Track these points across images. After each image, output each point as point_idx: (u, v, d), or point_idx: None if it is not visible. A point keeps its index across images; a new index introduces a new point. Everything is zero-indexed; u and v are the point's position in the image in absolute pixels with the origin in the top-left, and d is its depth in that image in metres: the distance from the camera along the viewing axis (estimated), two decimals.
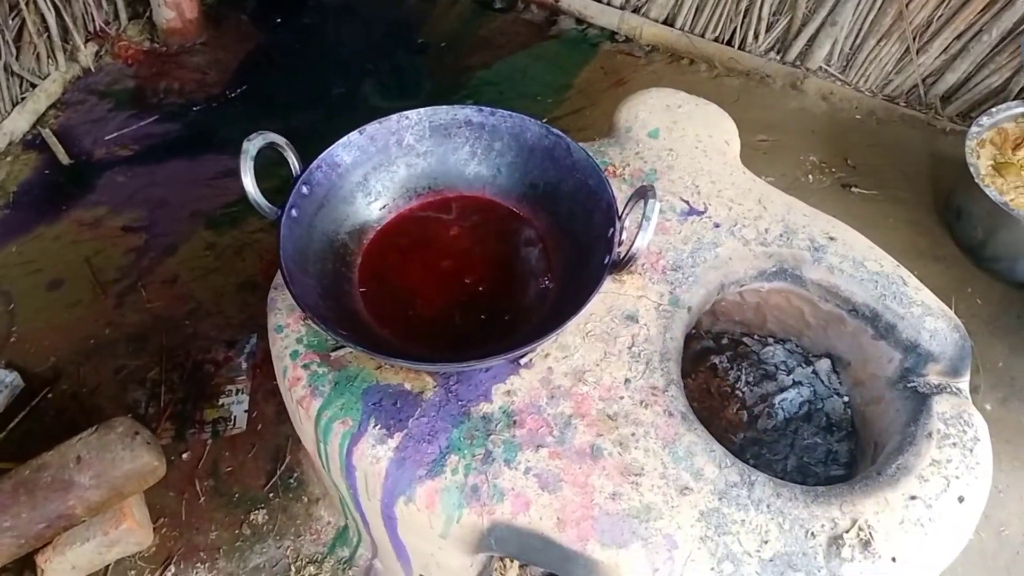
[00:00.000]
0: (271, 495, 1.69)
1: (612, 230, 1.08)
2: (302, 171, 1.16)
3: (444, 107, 1.27)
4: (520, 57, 2.97)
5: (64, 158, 2.52)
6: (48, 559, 1.48)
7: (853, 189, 2.41)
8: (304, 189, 1.16)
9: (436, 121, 1.28)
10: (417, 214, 1.29)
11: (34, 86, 2.64)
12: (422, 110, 1.26)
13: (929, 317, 1.21)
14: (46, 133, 2.58)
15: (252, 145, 1.09)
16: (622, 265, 1.04)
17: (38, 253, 2.25)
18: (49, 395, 1.89)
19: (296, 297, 1.03)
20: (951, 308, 1.26)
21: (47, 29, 2.61)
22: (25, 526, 1.40)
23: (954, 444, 1.07)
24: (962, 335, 1.20)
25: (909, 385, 1.18)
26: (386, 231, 1.26)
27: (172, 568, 1.58)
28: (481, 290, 1.18)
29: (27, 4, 2.47)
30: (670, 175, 1.38)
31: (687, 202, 1.34)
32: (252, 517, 1.65)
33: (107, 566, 1.58)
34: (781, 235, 1.29)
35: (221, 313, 2.07)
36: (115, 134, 2.63)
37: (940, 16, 2.40)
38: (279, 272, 1.20)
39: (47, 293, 2.14)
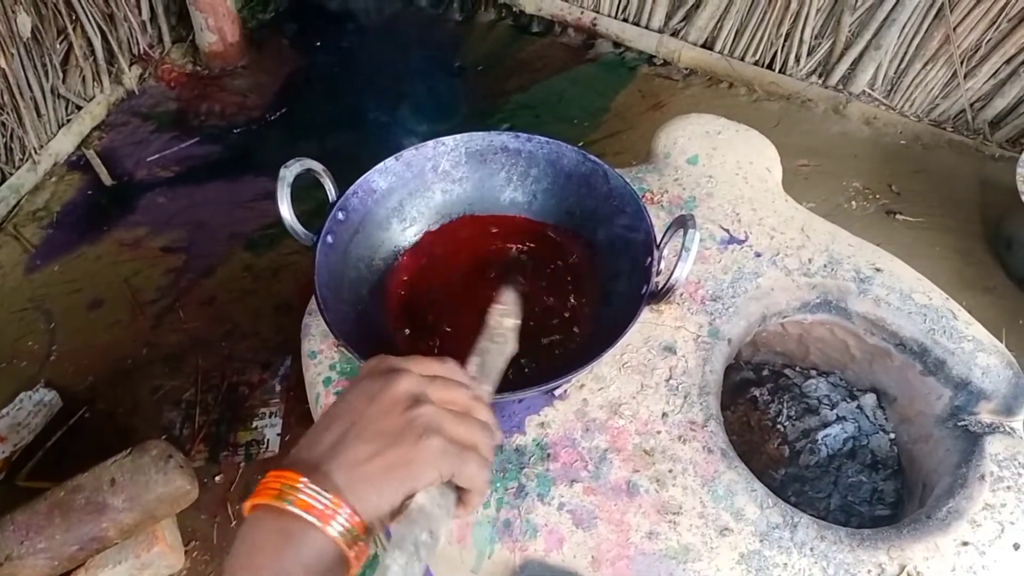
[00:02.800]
0: None
1: (650, 259, 1.05)
2: (338, 197, 1.16)
3: (480, 133, 1.26)
4: (557, 80, 2.96)
5: (107, 179, 2.57)
6: None
7: (898, 216, 2.36)
8: (340, 215, 1.15)
9: (472, 147, 1.26)
10: (451, 240, 1.28)
11: (79, 108, 2.70)
12: (458, 136, 1.25)
13: (981, 353, 1.16)
14: (90, 154, 2.64)
15: (289, 172, 1.09)
16: (660, 296, 1.01)
17: (79, 273, 2.29)
18: (86, 415, 1.91)
19: (330, 324, 1.02)
20: (1002, 341, 1.21)
21: (93, 53, 2.67)
22: (59, 547, 1.41)
23: (1008, 487, 1.02)
24: (1016, 372, 1.15)
25: (960, 424, 1.13)
26: (420, 257, 1.25)
27: None
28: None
29: (74, 28, 2.53)
30: (710, 202, 1.36)
31: (727, 230, 1.31)
32: None
33: None
34: (825, 265, 1.26)
35: (257, 335, 2.08)
36: (157, 156, 2.67)
37: (989, 40, 2.34)
38: (313, 298, 1.20)
39: (87, 313, 2.17)
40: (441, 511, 0.55)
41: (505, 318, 0.82)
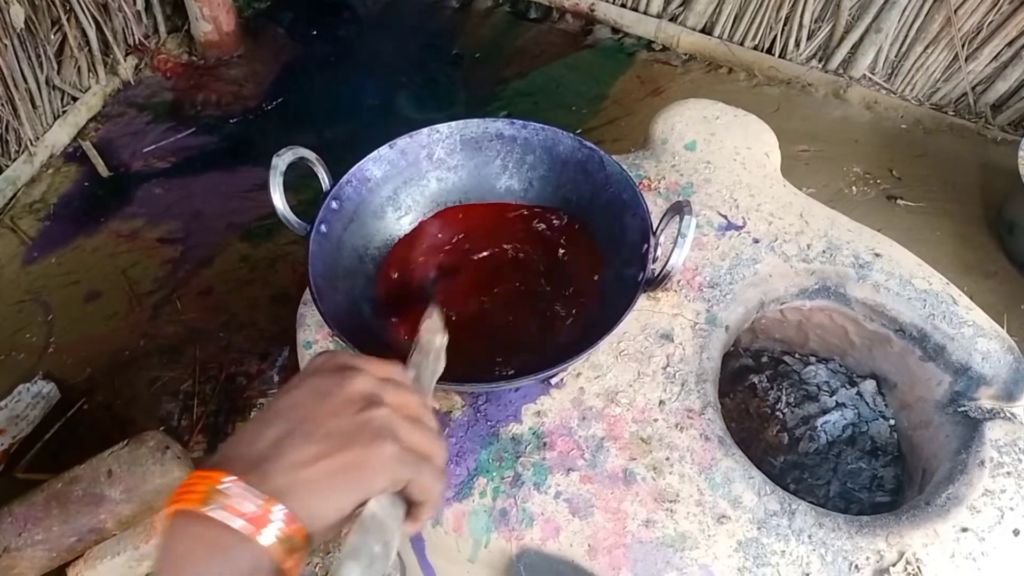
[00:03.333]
0: None
1: (646, 246, 1.04)
2: (332, 186, 1.15)
3: (475, 120, 1.24)
4: (555, 67, 2.95)
5: (103, 170, 2.56)
6: (79, 572, 1.48)
7: (899, 201, 2.34)
8: (334, 204, 1.14)
9: (467, 134, 1.25)
10: (447, 228, 1.27)
11: (75, 99, 2.69)
12: (453, 123, 1.24)
13: (981, 338, 1.15)
14: (86, 146, 2.63)
15: (281, 161, 1.08)
16: (656, 283, 1.00)
17: (77, 265, 2.28)
18: (85, 406, 1.91)
19: (324, 314, 1.01)
20: (1003, 326, 1.20)
21: (88, 43, 2.66)
22: (57, 539, 1.40)
23: (1008, 473, 1.02)
24: (1016, 357, 1.14)
25: (960, 409, 1.13)
26: (415, 246, 1.24)
27: None
28: (511, 307, 1.16)
29: (68, 19, 2.52)
30: (707, 188, 1.34)
31: (725, 216, 1.30)
32: None
33: None
34: (824, 251, 1.25)
35: (254, 325, 2.07)
36: (153, 146, 2.66)
37: (990, 22, 2.32)
38: (308, 288, 1.19)
39: (84, 305, 2.17)
40: (394, 521, 0.52)
41: (435, 335, 0.81)
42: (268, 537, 0.45)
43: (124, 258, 2.30)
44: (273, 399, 0.54)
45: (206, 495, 0.45)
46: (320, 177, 1.15)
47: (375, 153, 1.20)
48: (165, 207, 2.46)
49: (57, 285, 2.23)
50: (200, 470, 0.48)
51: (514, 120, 1.24)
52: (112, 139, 2.69)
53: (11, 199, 2.47)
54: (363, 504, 0.50)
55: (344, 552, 0.48)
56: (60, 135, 2.63)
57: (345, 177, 1.16)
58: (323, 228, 1.11)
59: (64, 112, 2.65)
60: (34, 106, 2.51)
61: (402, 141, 1.22)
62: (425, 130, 1.23)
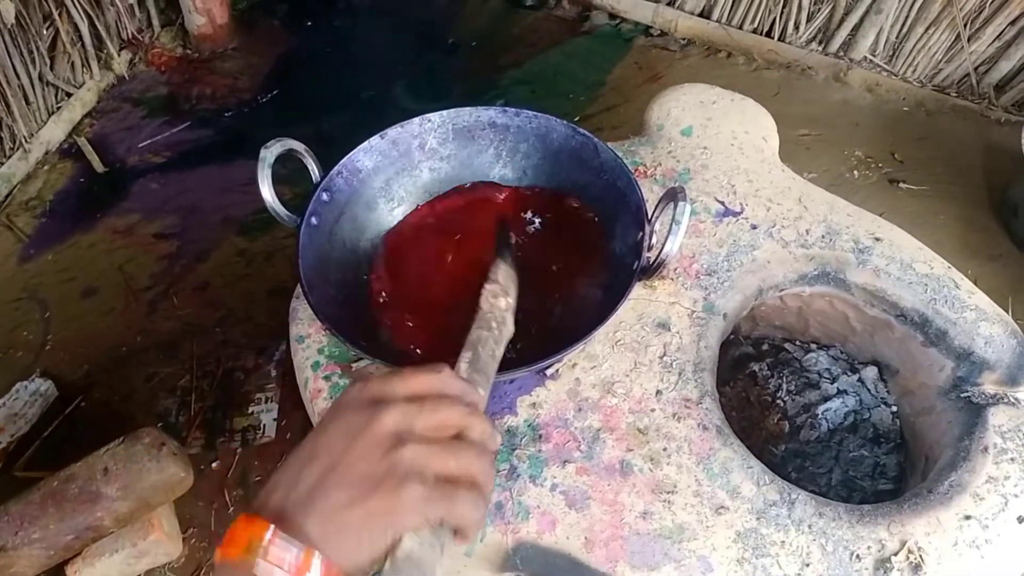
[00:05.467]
0: None
1: (641, 234, 1.03)
2: (322, 177, 1.13)
3: (467, 109, 1.23)
4: (552, 54, 2.92)
5: (99, 166, 2.55)
6: (78, 570, 1.48)
7: (901, 184, 2.31)
8: (324, 196, 1.13)
9: (459, 123, 1.23)
10: (441, 218, 1.25)
11: (69, 95, 2.67)
12: (444, 112, 1.22)
13: (984, 322, 1.13)
14: (81, 142, 2.61)
15: (270, 153, 1.07)
16: (651, 271, 0.99)
17: (73, 261, 2.27)
18: (82, 403, 1.90)
19: (314, 307, 1.00)
20: (1008, 310, 1.19)
21: (80, 38, 2.64)
22: (54, 537, 1.40)
23: (1012, 459, 1.00)
24: (1020, 341, 1.12)
25: (963, 395, 1.11)
26: (407, 237, 1.22)
27: None
28: None
29: (60, 13, 2.50)
30: (704, 174, 1.32)
31: (722, 202, 1.28)
32: None
33: None
34: (823, 236, 1.23)
35: (251, 320, 2.06)
36: (148, 141, 2.65)
37: (992, 1, 2.29)
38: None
39: (81, 301, 2.16)
40: (433, 551, 0.52)
41: (498, 298, 0.78)
42: None
43: (120, 254, 2.29)
44: (309, 436, 0.56)
45: (249, 544, 0.48)
46: (310, 169, 1.14)
47: (366, 143, 1.18)
48: (161, 202, 2.44)
49: (54, 282, 2.22)
50: (245, 515, 0.51)
51: (507, 108, 1.22)
52: (107, 134, 2.68)
53: (7, 196, 2.46)
54: (397, 541, 0.52)
55: None
56: (55, 131, 2.61)
57: (335, 168, 1.15)
58: (313, 220, 1.10)
59: (58, 108, 2.64)
60: (28, 102, 2.50)
61: (393, 131, 1.20)
62: (416, 119, 1.22)
